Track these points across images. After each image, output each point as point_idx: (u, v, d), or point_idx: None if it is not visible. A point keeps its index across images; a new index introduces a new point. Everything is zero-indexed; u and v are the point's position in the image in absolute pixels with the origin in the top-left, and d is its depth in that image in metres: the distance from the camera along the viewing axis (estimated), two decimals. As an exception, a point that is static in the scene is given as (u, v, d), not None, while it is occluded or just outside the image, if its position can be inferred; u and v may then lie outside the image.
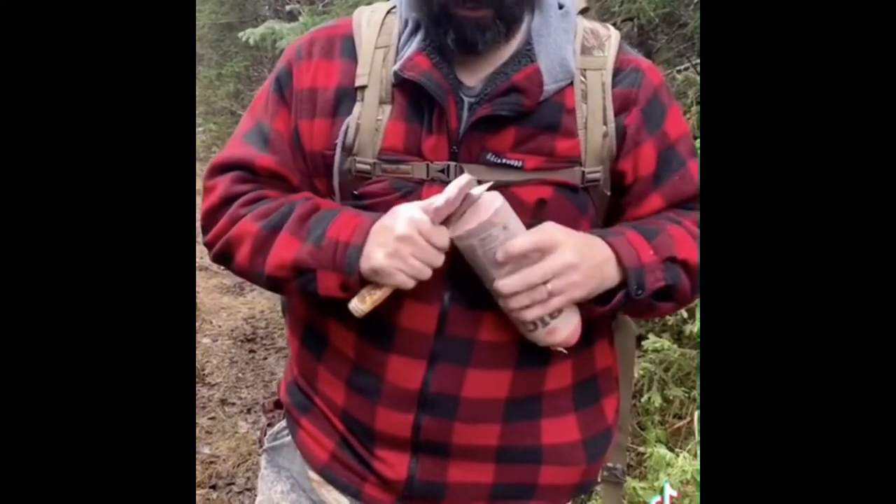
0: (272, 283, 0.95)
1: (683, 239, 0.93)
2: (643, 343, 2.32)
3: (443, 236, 0.87)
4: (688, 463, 1.98)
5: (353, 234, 0.89)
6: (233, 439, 2.74)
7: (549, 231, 0.89)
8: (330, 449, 1.03)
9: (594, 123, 0.93)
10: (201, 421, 2.83)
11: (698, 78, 2.49)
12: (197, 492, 2.35)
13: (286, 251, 0.91)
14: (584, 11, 0.99)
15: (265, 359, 3.44)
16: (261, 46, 4.39)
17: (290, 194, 0.97)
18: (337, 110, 0.95)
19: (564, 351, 0.95)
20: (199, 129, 6.48)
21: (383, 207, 0.91)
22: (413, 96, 0.93)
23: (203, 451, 2.64)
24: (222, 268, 1.06)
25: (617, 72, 0.95)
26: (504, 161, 0.91)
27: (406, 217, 0.87)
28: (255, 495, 1.17)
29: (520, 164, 0.91)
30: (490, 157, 0.91)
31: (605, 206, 0.98)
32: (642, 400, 2.34)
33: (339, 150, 0.94)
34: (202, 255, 1.05)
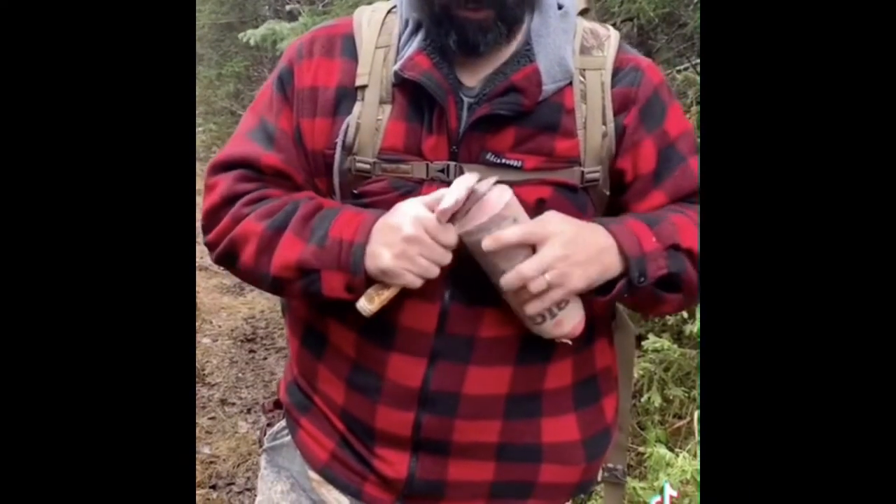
0: (276, 284, 0.94)
1: (687, 227, 0.92)
2: (643, 343, 2.32)
3: (450, 235, 0.87)
4: (688, 463, 1.98)
5: (357, 232, 0.89)
6: (233, 439, 2.74)
7: (545, 222, 0.88)
8: (330, 448, 1.03)
9: (593, 123, 0.93)
10: (201, 421, 2.83)
11: (698, 78, 2.49)
12: (197, 492, 2.35)
13: (290, 252, 0.91)
14: (584, 12, 1.00)
15: (265, 359, 3.44)
16: (261, 47, 4.39)
17: (293, 193, 0.96)
18: (337, 109, 0.95)
19: (570, 342, 0.95)
20: (199, 129, 6.48)
21: (383, 207, 0.92)
22: (413, 96, 0.93)
23: (203, 451, 2.64)
24: (222, 268, 1.05)
25: (616, 71, 0.95)
26: (503, 161, 0.91)
27: (411, 216, 0.87)
28: (255, 495, 1.17)
29: (519, 164, 0.91)
30: (489, 157, 0.91)
31: (605, 205, 0.98)
32: (642, 400, 2.34)
33: (339, 149, 0.94)
34: (202, 255, 1.05)
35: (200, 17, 6.64)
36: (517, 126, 0.92)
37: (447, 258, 0.88)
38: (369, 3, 1.03)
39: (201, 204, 0.99)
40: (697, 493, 1.78)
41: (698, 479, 1.72)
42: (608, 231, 0.90)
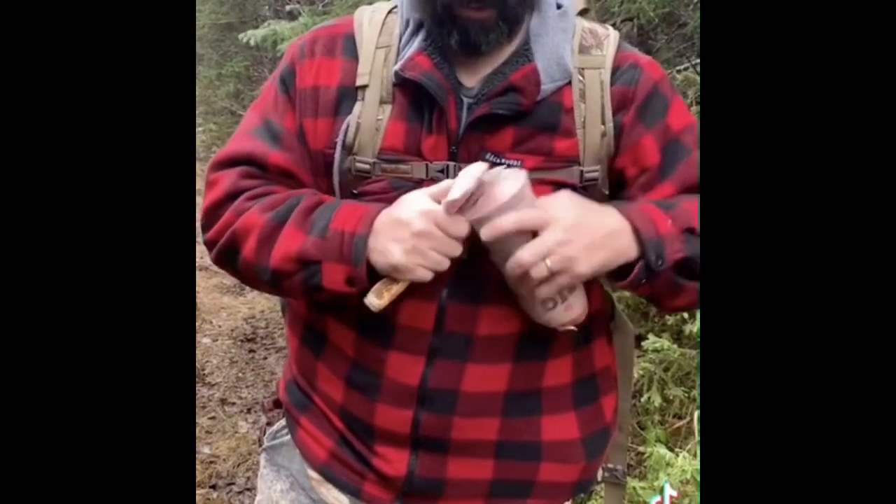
0: (276, 278, 0.92)
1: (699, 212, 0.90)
2: (643, 343, 2.32)
3: (461, 226, 0.86)
4: (688, 463, 1.98)
5: (358, 224, 0.88)
6: (233, 439, 2.74)
7: (549, 206, 0.86)
8: (329, 447, 1.03)
9: (592, 123, 0.93)
10: (201, 421, 2.83)
11: (698, 78, 2.49)
12: (197, 492, 2.35)
13: (291, 243, 0.89)
14: (583, 12, 1.00)
15: (265, 359, 3.44)
16: (261, 47, 4.39)
17: (297, 189, 0.96)
18: (338, 109, 0.95)
19: (575, 329, 0.94)
20: (199, 129, 6.47)
21: None
22: (414, 96, 0.93)
23: (203, 451, 2.64)
24: (221, 269, 1.04)
25: (615, 70, 0.95)
26: (503, 161, 0.91)
27: (419, 210, 0.86)
28: (255, 495, 1.17)
29: (518, 164, 0.91)
30: (489, 157, 0.91)
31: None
32: (642, 400, 2.34)
33: (338, 148, 0.94)
34: (202, 254, 1.04)
35: (200, 17, 6.63)
36: (516, 126, 0.92)
37: (458, 250, 0.87)
38: (370, 4, 1.03)
39: (201, 203, 0.99)
40: (697, 493, 1.78)
41: (698, 479, 1.72)
42: (622, 214, 0.88)
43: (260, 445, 1.15)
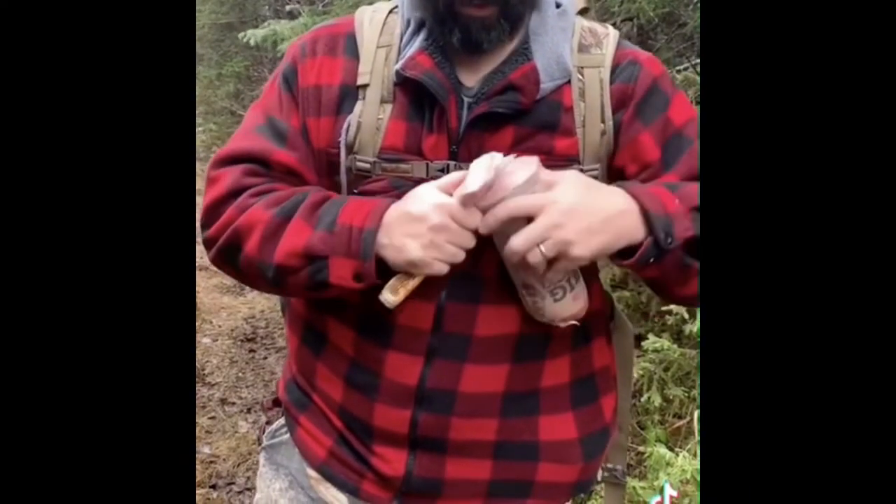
0: (280, 274, 0.90)
1: None
2: (643, 343, 2.33)
3: (475, 217, 0.85)
4: (688, 462, 1.98)
5: (367, 218, 0.87)
6: (233, 439, 2.74)
7: (552, 187, 0.84)
8: (328, 446, 1.03)
9: (592, 121, 0.93)
10: (201, 421, 2.83)
11: (698, 78, 2.49)
12: (197, 492, 2.35)
13: (297, 238, 0.88)
14: (583, 12, 1.00)
15: (265, 358, 3.44)
16: (261, 47, 4.39)
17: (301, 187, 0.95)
18: (340, 108, 0.95)
19: (576, 323, 0.94)
20: (199, 129, 6.48)
21: None
22: (414, 95, 0.93)
23: (203, 450, 2.64)
24: (219, 269, 1.03)
25: (615, 67, 0.94)
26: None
27: (432, 203, 0.85)
28: (255, 494, 1.17)
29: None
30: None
31: None
32: (642, 399, 2.34)
33: (342, 147, 0.94)
34: (202, 254, 1.03)
35: (200, 17, 6.63)
36: (516, 125, 0.92)
37: (473, 241, 0.86)
38: (370, 3, 1.03)
39: (201, 203, 0.99)
40: (697, 493, 1.78)
41: (698, 478, 1.72)
42: (628, 193, 0.86)
43: (259, 444, 1.15)
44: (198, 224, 0.96)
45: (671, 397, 2.32)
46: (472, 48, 0.90)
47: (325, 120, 0.95)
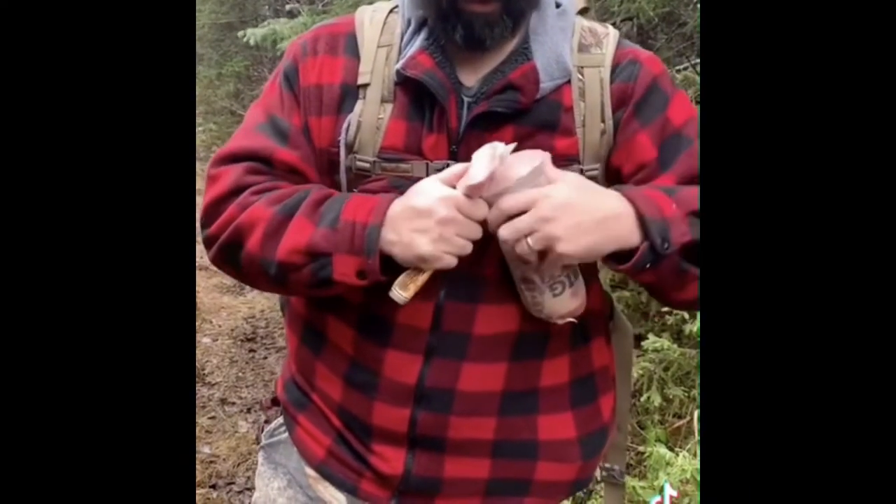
0: (281, 272, 0.90)
1: None
2: (643, 343, 2.33)
3: (481, 208, 0.85)
4: (688, 462, 1.98)
5: (371, 214, 0.87)
6: (233, 439, 2.74)
7: (551, 181, 0.85)
8: (326, 445, 1.04)
9: (592, 121, 0.93)
10: (201, 421, 2.83)
11: (698, 78, 2.49)
12: (197, 492, 2.35)
13: (300, 235, 0.88)
14: (583, 11, 1.00)
15: (265, 358, 3.44)
16: (261, 46, 4.39)
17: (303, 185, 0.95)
18: (341, 107, 0.95)
19: (574, 321, 0.94)
20: (199, 129, 6.48)
21: None
22: (415, 95, 0.93)
23: (203, 450, 2.64)
24: (219, 269, 1.02)
25: (615, 67, 0.94)
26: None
27: (438, 196, 0.85)
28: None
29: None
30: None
31: None
32: (642, 399, 2.34)
33: (342, 146, 0.94)
34: (202, 254, 1.03)
35: (200, 17, 6.63)
36: (516, 125, 0.92)
37: (480, 232, 0.86)
38: (370, 3, 1.03)
39: (201, 203, 0.98)
40: (697, 493, 1.79)
41: (698, 478, 1.72)
42: (625, 197, 0.86)
43: (258, 443, 1.15)
44: (198, 224, 0.96)
45: (671, 397, 2.32)
46: (475, 45, 0.90)
47: (327, 119, 0.95)
